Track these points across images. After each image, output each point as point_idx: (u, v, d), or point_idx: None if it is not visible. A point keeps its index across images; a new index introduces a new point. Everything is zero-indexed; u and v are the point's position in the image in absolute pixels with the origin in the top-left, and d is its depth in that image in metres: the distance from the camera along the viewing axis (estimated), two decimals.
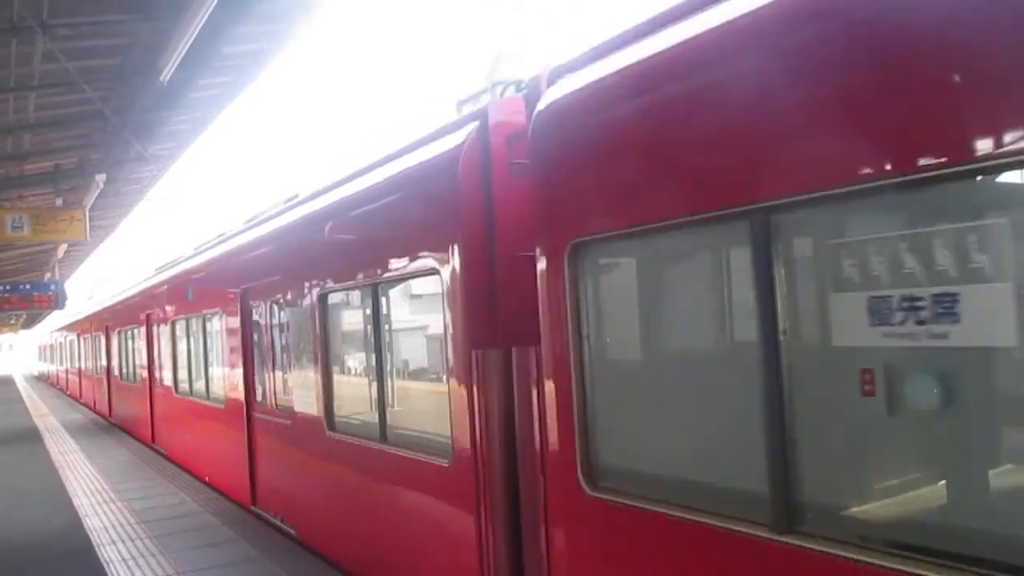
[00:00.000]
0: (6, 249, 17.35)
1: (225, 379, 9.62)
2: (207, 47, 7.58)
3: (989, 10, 2.14)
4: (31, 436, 18.45)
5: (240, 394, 8.78)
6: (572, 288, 3.57)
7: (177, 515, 9.21)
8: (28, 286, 18.87)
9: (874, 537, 2.45)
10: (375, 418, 5.62)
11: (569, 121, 3.73)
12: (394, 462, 5.28)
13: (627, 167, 3.34)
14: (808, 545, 2.54)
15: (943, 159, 2.19)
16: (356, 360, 6.49)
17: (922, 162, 2.25)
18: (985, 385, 2.37)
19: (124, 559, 7.51)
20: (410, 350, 5.81)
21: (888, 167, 2.34)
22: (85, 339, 24.61)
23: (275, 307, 7.77)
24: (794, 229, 2.72)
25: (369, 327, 5.72)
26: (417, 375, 5.83)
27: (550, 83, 4.00)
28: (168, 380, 12.77)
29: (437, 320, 4.68)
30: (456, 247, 4.50)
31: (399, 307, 5.70)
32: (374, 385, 5.72)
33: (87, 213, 11.53)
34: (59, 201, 12.20)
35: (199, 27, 6.18)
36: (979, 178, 2.22)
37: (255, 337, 8.46)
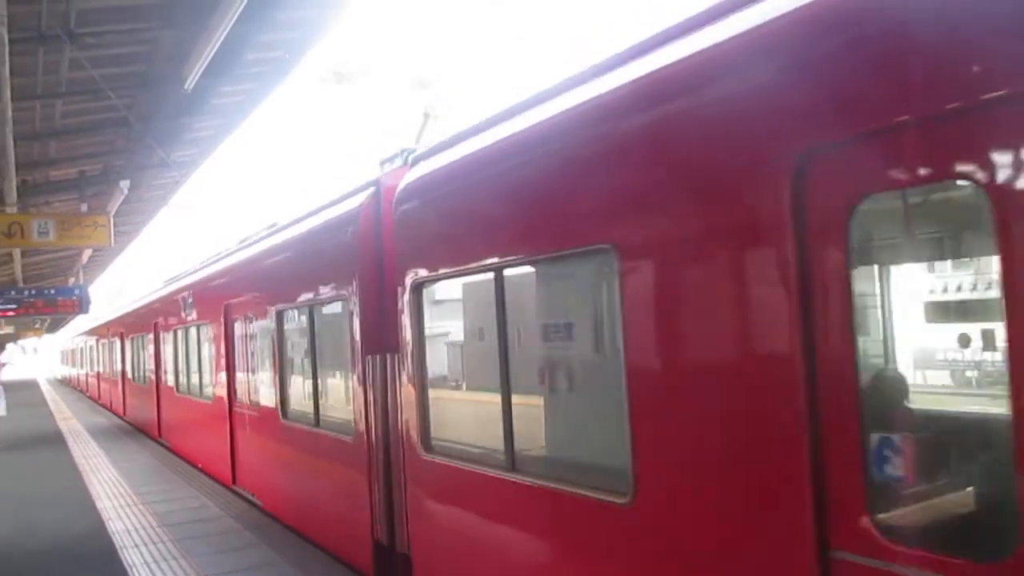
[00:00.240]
0: (32, 254, 17.57)
1: (213, 380, 11.34)
2: (230, 55, 7.66)
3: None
4: (55, 439, 18.65)
5: (224, 392, 10.54)
6: (415, 314, 5.28)
7: (199, 519, 9.27)
8: (53, 291, 19.09)
9: (541, 470, 4.23)
10: (311, 408, 7.57)
11: (414, 198, 5.44)
12: (323, 440, 7.23)
13: (440, 234, 5.19)
14: (520, 479, 4.26)
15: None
16: (300, 363, 8.11)
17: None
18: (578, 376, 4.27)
19: (147, 562, 7.57)
20: (333, 355, 7.37)
21: (547, 248, 4.12)
22: (103, 345, 26.91)
23: (247, 321, 9.60)
24: (523, 278, 4.47)
25: (306, 338, 7.71)
26: (337, 375, 7.38)
27: (412, 166, 5.65)
28: (170, 381, 14.69)
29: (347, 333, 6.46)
30: (355, 281, 6.25)
31: (326, 323, 7.43)
32: (309, 382, 7.68)
33: (111, 219, 11.63)
34: (84, 207, 12.32)
35: (223, 35, 6.24)
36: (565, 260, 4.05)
37: (235, 344, 10.16)
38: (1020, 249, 2.13)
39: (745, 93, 2.92)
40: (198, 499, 10.44)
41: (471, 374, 5.53)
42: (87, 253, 18.33)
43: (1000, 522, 2.21)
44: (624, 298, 3.41)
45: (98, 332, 28.09)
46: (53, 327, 47.67)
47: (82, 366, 38.41)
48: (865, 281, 2.94)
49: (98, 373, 29.27)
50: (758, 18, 2.94)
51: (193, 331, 12.71)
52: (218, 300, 10.70)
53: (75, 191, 11.99)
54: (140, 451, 15.72)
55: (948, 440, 2.79)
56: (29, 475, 13.67)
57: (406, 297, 5.34)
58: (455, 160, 5.06)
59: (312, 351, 7.60)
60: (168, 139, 10.23)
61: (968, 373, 3.66)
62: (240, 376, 10.02)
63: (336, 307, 7.01)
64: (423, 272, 5.25)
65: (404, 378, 5.53)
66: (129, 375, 20.93)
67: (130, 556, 7.82)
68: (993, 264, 2.22)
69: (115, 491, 11.39)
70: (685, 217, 3.14)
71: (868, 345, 2.94)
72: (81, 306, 18.73)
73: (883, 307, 3.21)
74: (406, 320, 5.36)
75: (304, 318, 7.79)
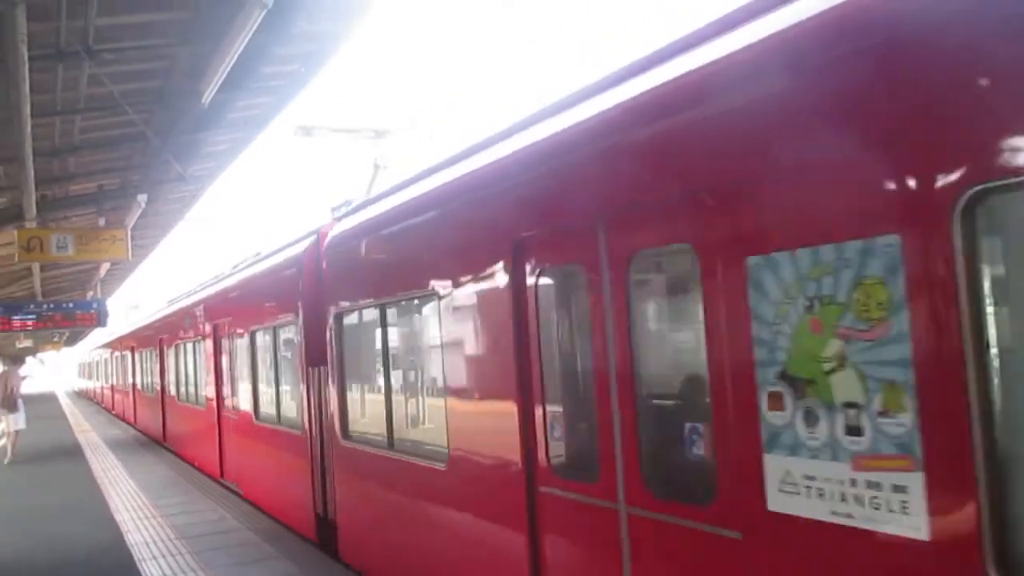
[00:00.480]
0: (51, 268, 17.72)
1: (206, 389, 13.08)
2: (246, 69, 7.72)
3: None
4: (74, 451, 18.76)
5: (214, 399, 12.43)
6: (336, 337, 7.10)
7: (217, 531, 9.28)
8: (71, 304, 19.25)
9: (406, 449, 5.98)
10: (274, 410, 9.49)
11: (335, 247, 7.26)
12: (282, 436, 9.06)
13: (348, 277, 6.99)
14: (398, 456, 5.93)
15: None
16: (266, 374, 9.90)
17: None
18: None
19: (165, 575, 7.58)
20: (289, 368, 9.04)
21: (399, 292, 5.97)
22: (116, 358, 29.37)
23: (231, 339, 11.42)
24: (395, 313, 6.27)
25: (269, 354, 9.67)
26: (292, 384, 8.92)
27: (338, 220, 7.52)
28: (173, 391, 16.68)
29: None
30: (300, 310, 8.14)
31: (284, 342, 9.23)
32: (272, 388, 9.58)
33: (129, 233, 11.71)
34: (102, 221, 12.41)
35: (239, 50, 6.28)
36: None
37: (222, 359, 11.96)
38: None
39: (483, 211, 4.89)
40: (216, 511, 10.47)
41: (371, 382, 7.11)
42: (105, 267, 18.48)
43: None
44: (443, 329, 5.22)
45: (112, 346, 30.46)
46: (71, 340, 48.04)
47: (97, 379, 40.91)
48: (544, 311, 4.43)
49: (112, 385, 31.62)
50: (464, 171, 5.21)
51: (190, 347, 14.57)
52: (208, 321, 12.78)
53: (93, 205, 12.08)
54: (157, 463, 15.78)
55: (581, 414, 4.20)
56: (49, 487, 13.75)
57: (330, 323, 7.22)
58: (356, 223, 6.98)
59: (275, 365, 9.51)
60: (185, 153, 10.31)
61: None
62: (226, 386, 11.87)
63: (291, 330, 8.74)
64: (341, 305, 7.09)
65: (331, 385, 7.37)
66: (139, 386, 22.88)
67: (149, 568, 7.84)
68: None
69: (133, 503, 11.43)
70: (464, 272, 4.97)
71: (548, 359, 4.43)
72: (99, 319, 18.88)
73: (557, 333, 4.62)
74: (331, 341, 7.26)
75: (269, 338, 9.66)
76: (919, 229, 2.44)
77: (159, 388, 18.71)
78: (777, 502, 2.90)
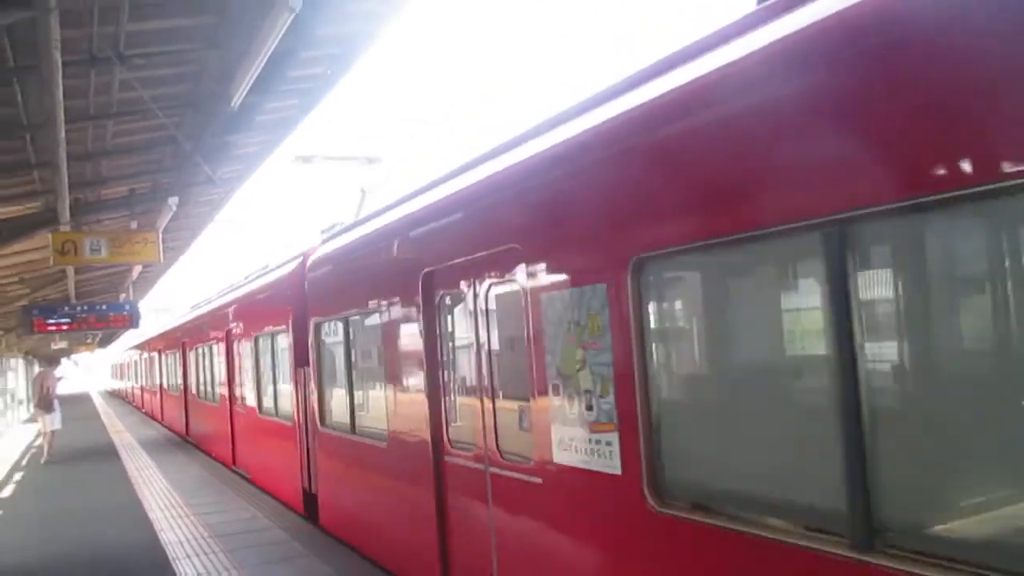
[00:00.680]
0: (84, 271, 17.97)
1: (220, 387, 15.07)
2: (274, 72, 7.78)
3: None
4: (109, 452, 19.06)
5: (226, 396, 14.39)
6: (316, 342, 8.90)
7: (249, 530, 9.39)
8: (104, 306, 19.51)
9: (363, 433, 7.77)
10: (273, 405, 11.40)
11: (313, 268, 9.04)
12: (279, 426, 10.90)
13: (323, 293, 8.68)
14: (357, 438, 7.80)
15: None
16: (267, 374, 11.68)
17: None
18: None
19: (200, 573, 7.68)
20: (283, 369, 10.74)
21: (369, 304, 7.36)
22: (144, 360, 31.91)
23: (240, 343, 13.27)
24: (353, 325, 7.93)
25: (268, 357, 11.44)
26: (286, 382, 10.57)
27: (321, 244, 9.24)
28: (194, 390, 18.83)
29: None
30: (290, 319, 9.88)
31: (280, 347, 10.79)
32: (272, 387, 11.46)
33: (160, 235, 11.86)
34: (134, 224, 12.58)
35: (268, 54, 6.34)
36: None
37: (234, 360, 13.80)
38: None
39: (403, 249, 6.59)
40: (248, 510, 10.58)
41: (340, 380, 8.56)
42: (137, 269, 18.71)
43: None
44: (382, 339, 6.98)
45: (141, 348, 33.06)
46: (104, 342, 48.74)
47: (128, 379, 43.61)
48: (443, 328, 6.05)
49: (142, 386, 34.08)
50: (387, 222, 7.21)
51: (207, 350, 16.66)
52: (222, 327, 14.61)
53: (125, 209, 12.24)
54: (189, 463, 15.97)
55: (466, 405, 5.73)
56: (85, 486, 13.98)
57: (311, 332, 9.05)
58: (327, 250, 8.83)
59: (273, 366, 11.28)
60: (214, 156, 10.41)
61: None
62: (235, 385, 13.75)
63: (284, 337, 10.38)
64: (317, 317, 8.89)
65: (312, 382, 9.18)
66: (165, 386, 25.20)
67: (183, 567, 7.94)
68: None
69: (167, 502, 11.59)
70: (392, 294, 6.67)
71: (447, 363, 6.06)
72: (132, 321, 19.15)
73: (452, 344, 6.05)
74: (311, 346, 9.12)
75: (268, 343, 11.42)
76: (615, 280, 3.93)
77: (182, 387, 20.62)
78: (559, 457, 4.41)
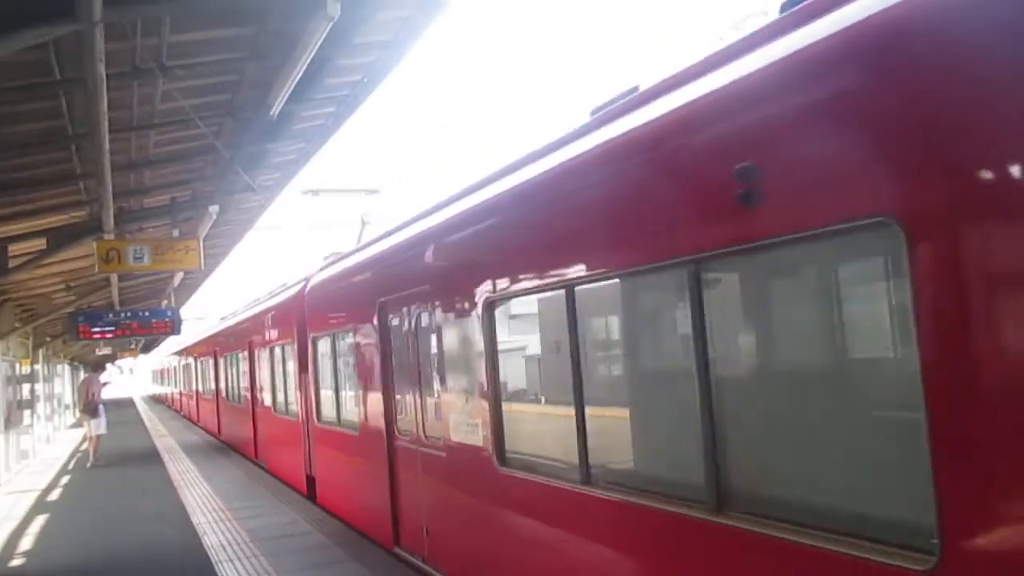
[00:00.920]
0: (127, 278, 18.29)
1: (245, 391, 17.40)
2: (311, 80, 7.86)
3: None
4: (152, 456, 19.36)
5: (249, 399, 16.83)
6: (313, 353, 11.12)
7: (289, 534, 9.47)
8: (147, 313, 19.85)
9: (341, 424, 10.14)
10: (284, 405, 13.57)
11: (310, 292, 11.19)
12: (289, 422, 13.05)
13: (316, 313, 10.89)
14: (340, 429, 10.01)
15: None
16: (281, 379, 13.80)
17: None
18: None
19: None
20: (291, 375, 12.93)
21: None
22: (183, 366, 34.76)
23: (260, 353, 15.58)
24: (335, 339, 10.22)
25: (280, 365, 13.64)
26: (293, 385, 12.72)
27: (321, 270, 11.18)
28: (224, 394, 21.34)
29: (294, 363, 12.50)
30: (294, 334, 12.10)
31: (288, 356, 13.06)
32: (284, 389, 13.57)
33: (201, 242, 12.00)
34: (176, 232, 12.76)
35: (307, 62, 6.39)
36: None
37: (253, 367, 16.30)
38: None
39: (364, 282, 8.86)
40: (288, 515, 10.67)
41: (330, 384, 10.61)
42: (179, 276, 19.00)
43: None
44: (354, 352, 9.11)
45: (179, 355, 35.90)
46: (147, 348, 49.59)
47: (168, 384, 46.89)
48: (393, 343, 8.01)
49: (180, 391, 36.93)
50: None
51: (235, 358, 18.98)
52: (244, 338, 17.12)
53: (167, 217, 12.42)
54: (230, 467, 16.16)
55: (407, 401, 7.72)
56: (130, 490, 14.21)
57: (308, 345, 11.27)
58: (318, 279, 11.08)
59: (284, 373, 13.48)
60: (253, 164, 10.53)
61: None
62: (257, 388, 16.05)
63: (291, 348, 12.64)
64: (314, 332, 11.03)
65: (310, 386, 11.41)
66: (200, 390, 27.90)
67: (226, 571, 8.03)
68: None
69: (209, 506, 11.73)
70: (359, 318, 8.83)
71: (396, 370, 8.01)
72: (173, 327, 19.45)
73: (398, 355, 7.96)
74: (309, 356, 11.33)
75: (280, 353, 13.68)
76: (466, 315, 6.02)
77: (214, 392, 23.08)
78: (454, 437, 6.39)
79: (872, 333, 3.33)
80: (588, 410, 4.67)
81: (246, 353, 16.78)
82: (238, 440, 18.98)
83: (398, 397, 7.87)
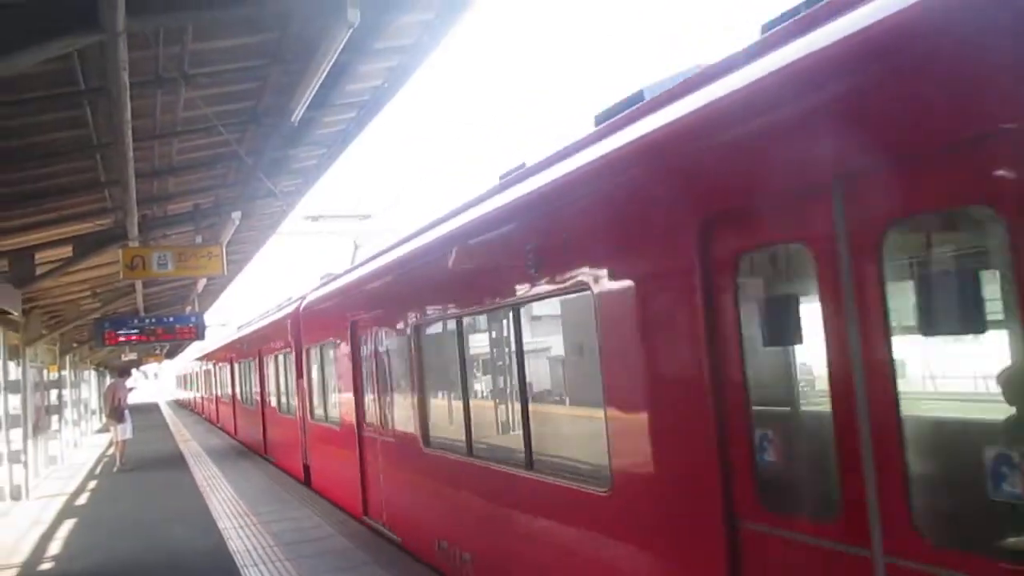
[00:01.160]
0: (152, 285, 18.46)
1: (257, 394, 19.68)
2: (332, 86, 7.89)
3: None
4: (177, 460, 19.52)
5: (260, 401, 19.16)
6: (306, 361, 13.43)
7: (313, 538, 9.50)
8: (171, 318, 20.00)
9: (325, 418, 12.85)
10: (287, 405, 15.54)
11: (305, 308, 13.38)
12: (289, 420, 15.09)
13: (309, 325, 13.15)
14: (326, 424, 12.37)
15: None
16: (285, 383, 15.76)
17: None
18: None
19: None
20: (291, 380, 14.90)
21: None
22: (203, 372, 37.69)
23: (267, 359, 17.89)
24: (320, 351, 12.66)
25: (283, 370, 15.66)
26: (292, 388, 14.70)
27: (313, 290, 13.59)
28: (238, 397, 24.07)
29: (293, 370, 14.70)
30: (292, 345, 14.33)
31: (289, 363, 14.92)
32: (287, 392, 15.36)
33: (224, 248, 12.07)
34: (199, 238, 12.85)
35: (328, 68, 6.41)
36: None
37: (263, 372, 18.65)
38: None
39: (340, 304, 11.03)
40: (311, 519, 10.70)
41: (319, 386, 13.02)
42: (202, 282, 19.14)
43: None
44: (335, 361, 11.29)
45: (200, 361, 38.79)
46: (171, 354, 50.03)
47: (189, 388, 50.38)
48: (363, 355, 10.09)
49: (202, 396, 39.88)
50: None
51: (248, 364, 21.29)
52: (255, 347, 19.43)
53: (190, 224, 12.50)
54: (255, 472, 16.26)
55: (383, 401, 9.48)
56: (156, 494, 14.33)
57: (303, 353, 13.54)
58: (311, 297, 13.17)
59: (285, 377, 15.53)
60: (275, 170, 10.58)
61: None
62: (267, 391, 18.18)
63: (291, 357, 14.62)
64: (307, 343, 13.19)
65: (304, 388, 13.58)
66: (219, 394, 30.59)
67: (251, 575, 8.06)
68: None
69: (233, 510, 11.80)
70: (334, 335, 11.24)
71: (368, 377, 9.96)
72: (197, 333, 19.58)
73: (368, 365, 9.93)
74: (303, 363, 13.48)
75: (283, 360, 15.71)
76: (403, 335, 8.30)
77: (231, 395, 25.72)
78: (398, 427, 8.66)
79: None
80: (472, 403, 6.80)
81: (256, 361, 19.29)
82: (250, 439, 21.22)
83: (366, 397, 9.89)
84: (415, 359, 7.78)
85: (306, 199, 13.57)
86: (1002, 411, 2.97)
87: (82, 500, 14.62)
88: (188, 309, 24.08)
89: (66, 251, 11.81)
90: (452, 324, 7.04)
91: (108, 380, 34.83)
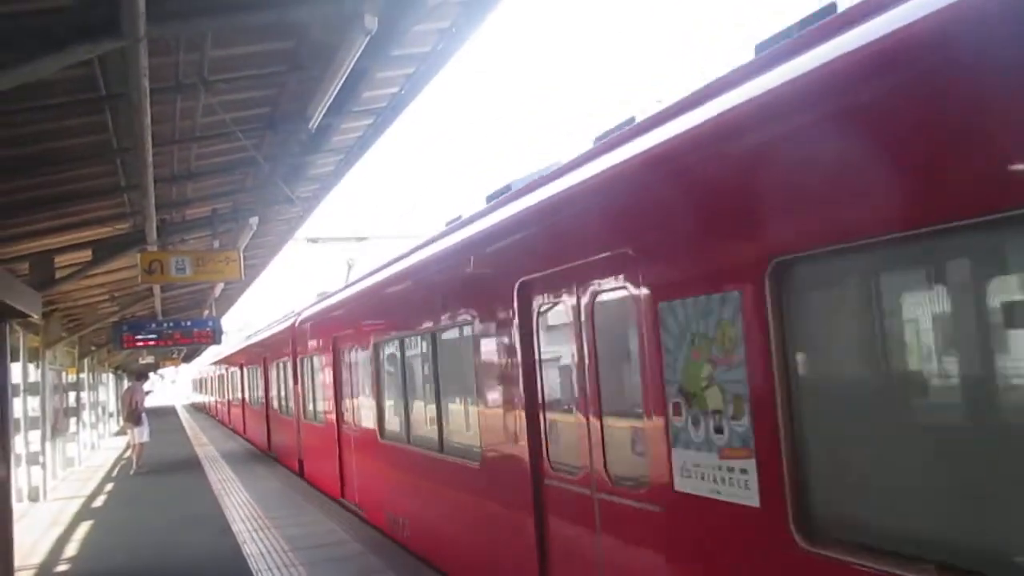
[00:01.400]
0: (170, 289, 18.61)
1: (263, 398, 21.60)
2: (349, 93, 7.93)
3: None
4: (193, 464, 19.62)
5: (264, 403, 21.24)
6: (301, 369, 15.61)
7: (327, 543, 9.52)
8: (189, 322, 20.13)
9: (313, 416, 15.22)
10: (286, 407, 17.57)
11: (299, 324, 15.70)
12: (288, 420, 17.39)
13: (302, 338, 15.33)
14: (313, 423, 14.88)
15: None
16: (285, 387, 17.73)
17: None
18: None
19: None
20: (287, 384, 17.31)
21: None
22: (217, 376, 40.21)
23: (270, 366, 20.02)
24: (310, 361, 15.00)
25: (283, 376, 17.86)
26: (290, 392, 16.91)
27: (306, 308, 15.90)
28: (248, 400, 26.17)
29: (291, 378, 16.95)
30: (290, 354, 16.36)
31: (286, 369, 17.37)
32: (286, 395, 17.59)
33: (241, 253, 12.14)
34: (216, 243, 12.94)
35: (345, 75, 6.45)
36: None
37: (268, 380, 20.56)
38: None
39: (324, 325, 13.59)
40: (325, 523, 10.72)
41: (310, 391, 14.88)
42: (219, 287, 19.28)
43: None
44: (321, 369, 13.54)
45: (214, 366, 40.93)
46: (188, 357, 50.35)
47: (203, 392, 53.67)
48: (342, 367, 12.21)
49: (216, 399, 42.30)
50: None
51: (254, 370, 23.69)
52: (259, 354, 21.86)
53: (208, 228, 12.60)
54: (269, 476, 16.31)
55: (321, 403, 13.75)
56: (172, 497, 14.41)
57: (297, 363, 15.70)
58: (304, 314, 15.56)
59: (285, 383, 17.50)
60: (292, 176, 10.65)
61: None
62: (271, 395, 20.17)
63: (288, 365, 16.76)
64: (300, 355, 15.29)
65: (300, 392, 15.59)
66: (230, 398, 33.00)
67: None
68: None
69: (248, 514, 11.84)
70: (323, 347, 13.26)
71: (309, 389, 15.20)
72: (214, 337, 19.70)
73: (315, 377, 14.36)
74: (299, 370, 15.56)
75: (284, 367, 17.61)
76: (368, 351, 10.45)
77: (241, 399, 28.15)
78: (364, 423, 10.99)
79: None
80: (411, 403, 8.86)
81: (261, 368, 21.70)
82: (257, 438, 23.54)
83: (343, 401, 12.01)
84: (375, 370, 9.92)
85: (308, 225, 15.65)
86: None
87: (99, 502, 14.73)
88: (205, 313, 24.25)
89: (85, 255, 11.93)
90: (398, 344, 9.03)
91: (126, 383, 35.10)
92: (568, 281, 5.08)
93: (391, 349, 9.36)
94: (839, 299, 3.35)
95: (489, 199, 7.07)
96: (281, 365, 17.93)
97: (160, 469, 18.76)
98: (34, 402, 15.46)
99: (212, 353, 39.30)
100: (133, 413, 19.60)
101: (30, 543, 10.98)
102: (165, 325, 19.24)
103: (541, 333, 5.57)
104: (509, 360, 5.88)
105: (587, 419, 4.96)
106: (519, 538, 5.70)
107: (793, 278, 3.32)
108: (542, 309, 5.52)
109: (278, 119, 8.95)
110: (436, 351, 7.78)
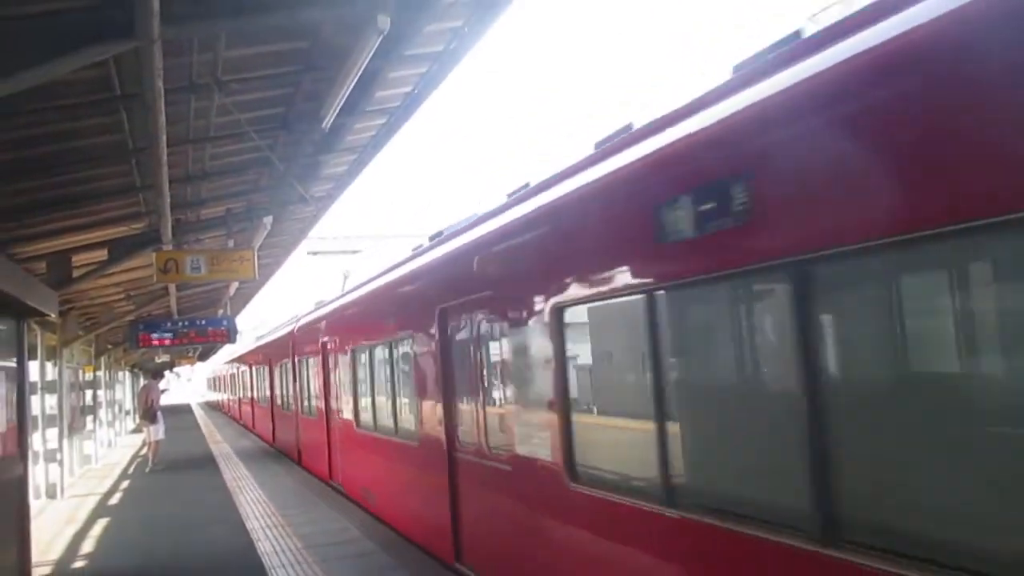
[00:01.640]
0: (185, 288, 18.72)
1: (268, 396, 23.62)
2: (362, 93, 7.95)
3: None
4: (208, 461, 19.73)
5: (270, 400, 23.15)
6: (300, 369, 17.70)
7: (340, 541, 9.55)
8: (204, 321, 20.23)
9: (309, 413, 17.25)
10: (287, 404, 19.77)
11: (298, 329, 18.08)
12: (290, 416, 19.41)
13: (299, 342, 17.74)
14: (311, 417, 16.92)
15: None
16: (287, 386, 19.77)
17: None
18: None
19: None
20: (289, 383, 19.45)
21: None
22: (229, 375, 42.19)
23: (274, 367, 22.36)
24: (305, 362, 17.50)
25: (286, 375, 19.90)
26: (292, 390, 19.00)
27: (304, 315, 18.47)
28: (256, 397, 28.03)
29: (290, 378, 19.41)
30: (291, 356, 18.68)
31: (287, 370, 19.79)
32: (288, 393, 19.67)
33: (255, 253, 12.19)
34: (231, 243, 13.01)
35: (358, 75, 6.47)
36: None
37: (273, 378, 22.37)
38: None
39: (314, 333, 15.96)
40: (339, 521, 10.76)
41: (308, 388, 16.88)
42: (234, 286, 19.37)
43: None
44: (314, 371, 16.05)
45: (227, 365, 42.66)
46: (203, 356, 50.63)
47: (216, 390, 55.80)
48: (331, 369, 14.34)
49: (227, 397, 44.37)
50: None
51: (261, 370, 25.36)
52: (267, 356, 23.48)
53: (222, 228, 12.66)
54: (283, 474, 16.39)
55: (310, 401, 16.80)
56: (187, 495, 14.49)
57: (296, 364, 17.96)
58: (301, 321, 18.10)
59: (286, 381, 19.57)
60: (306, 176, 10.69)
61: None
62: (276, 394, 21.95)
63: (289, 366, 18.87)
64: (298, 357, 17.70)
65: (299, 390, 17.77)
66: (241, 396, 35.01)
67: None
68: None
69: (262, 512, 11.89)
70: (315, 352, 15.65)
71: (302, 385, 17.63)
72: (229, 335, 19.80)
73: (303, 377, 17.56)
74: (298, 370, 17.86)
75: (286, 367, 19.54)
76: (350, 355, 12.73)
77: (250, 396, 30.17)
78: (345, 415, 13.15)
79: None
80: (377, 398, 10.91)
81: (267, 368, 23.56)
82: (264, 431, 25.34)
83: (331, 396, 13.93)
84: (352, 371, 12.17)
85: (309, 239, 17.95)
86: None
87: (115, 499, 14.84)
88: (220, 312, 24.37)
89: (101, 254, 12.02)
90: (368, 350, 11.23)
91: (142, 382, 35.34)
92: (468, 309, 7.15)
93: (362, 354, 11.73)
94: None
95: (431, 238, 9.12)
96: (283, 366, 20.15)
97: (175, 467, 18.89)
98: (51, 400, 15.59)
99: (225, 353, 41.76)
100: (149, 411, 19.73)
101: (47, 539, 11.08)
102: (180, 324, 19.34)
103: (452, 346, 7.68)
104: (435, 365, 8.01)
105: (480, 409, 7.01)
106: (441, 495, 7.81)
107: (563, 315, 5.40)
108: (452, 327, 7.63)
109: (292, 119, 8.98)
110: (392, 356, 10.10)
